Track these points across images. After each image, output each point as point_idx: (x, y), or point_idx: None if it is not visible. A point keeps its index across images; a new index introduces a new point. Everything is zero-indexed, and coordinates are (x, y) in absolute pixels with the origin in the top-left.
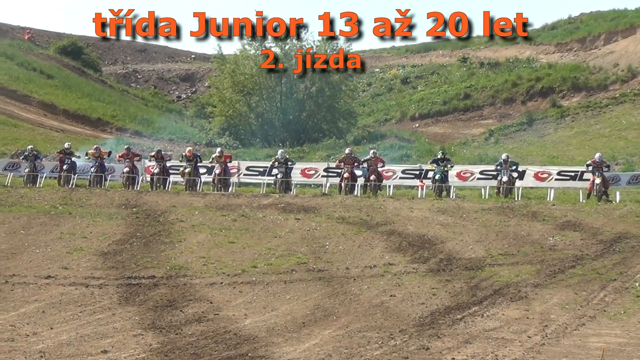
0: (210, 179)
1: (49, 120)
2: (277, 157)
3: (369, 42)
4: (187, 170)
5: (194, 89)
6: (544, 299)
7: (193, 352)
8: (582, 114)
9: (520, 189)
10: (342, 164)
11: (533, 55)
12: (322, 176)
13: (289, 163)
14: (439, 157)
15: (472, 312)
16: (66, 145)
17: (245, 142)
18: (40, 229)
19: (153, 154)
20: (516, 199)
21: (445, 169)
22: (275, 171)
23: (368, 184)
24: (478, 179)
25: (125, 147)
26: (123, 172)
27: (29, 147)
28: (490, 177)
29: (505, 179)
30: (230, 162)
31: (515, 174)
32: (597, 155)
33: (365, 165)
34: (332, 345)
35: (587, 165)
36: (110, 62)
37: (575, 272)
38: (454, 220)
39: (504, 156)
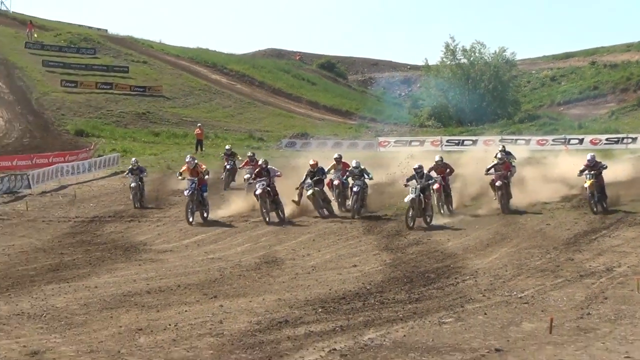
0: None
1: (314, 113)
2: (260, 164)
3: (529, 51)
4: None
5: (410, 89)
6: None
7: (414, 265)
8: None
9: None
10: (333, 170)
11: None
12: None
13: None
14: (416, 167)
15: (602, 234)
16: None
17: (445, 123)
18: None
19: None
20: None
21: (424, 185)
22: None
23: (439, 196)
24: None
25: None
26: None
27: (133, 159)
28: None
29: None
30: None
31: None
32: (590, 155)
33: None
34: (507, 259)
35: (581, 172)
36: (353, 72)
37: None
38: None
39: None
